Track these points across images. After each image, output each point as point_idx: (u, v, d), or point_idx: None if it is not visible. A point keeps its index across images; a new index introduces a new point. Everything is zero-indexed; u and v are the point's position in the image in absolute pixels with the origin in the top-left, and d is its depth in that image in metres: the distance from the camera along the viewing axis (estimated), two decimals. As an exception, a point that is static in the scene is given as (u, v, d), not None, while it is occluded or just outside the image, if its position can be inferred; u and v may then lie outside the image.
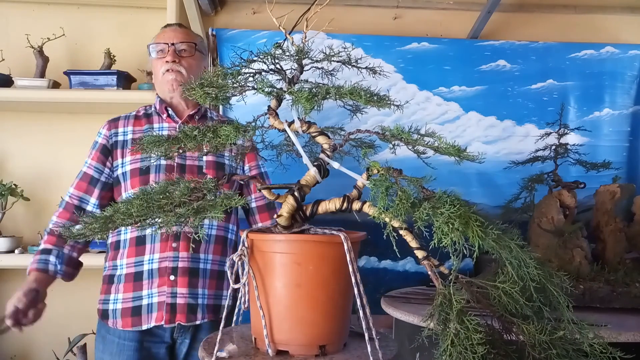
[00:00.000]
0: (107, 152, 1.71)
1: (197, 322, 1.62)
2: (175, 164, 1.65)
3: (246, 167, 1.80)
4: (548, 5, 2.71)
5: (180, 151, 1.08)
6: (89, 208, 1.69)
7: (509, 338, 0.89)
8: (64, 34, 2.40)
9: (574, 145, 2.25)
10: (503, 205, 2.32)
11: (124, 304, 1.61)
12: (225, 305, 1.71)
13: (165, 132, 1.71)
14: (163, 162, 1.64)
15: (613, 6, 2.71)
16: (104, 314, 1.65)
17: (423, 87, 2.58)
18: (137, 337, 1.61)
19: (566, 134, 2.27)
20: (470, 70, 2.60)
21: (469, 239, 0.86)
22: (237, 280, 1.05)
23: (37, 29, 2.39)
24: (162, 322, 1.58)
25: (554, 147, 2.24)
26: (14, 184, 2.37)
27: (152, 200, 0.99)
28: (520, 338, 0.87)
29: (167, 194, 1.00)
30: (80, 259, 1.72)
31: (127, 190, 1.66)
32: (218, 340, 1.04)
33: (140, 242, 1.62)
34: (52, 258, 1.62)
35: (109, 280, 1.67)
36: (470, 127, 2.59)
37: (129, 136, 1.72)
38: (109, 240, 1.71)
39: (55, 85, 2.36)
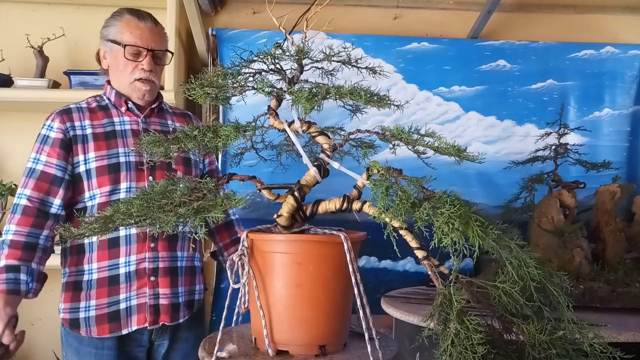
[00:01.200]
0: (67, 147, 1.55)
1: (180, 321, 1.59)
2: (145, 161, 1.55)
3: (206, 162, 1.80)
4: (548, 5, 2.71)
5: (180, 151, 1.09)
6: (52, 211, 1.52)
7: (509, 338, 0.89)
8: (64, 34, 2.39)
9: (574, 145, 2.25)
10: (503, 205, 2.32)
11: (97, 310, 1.52)
12: (196, 300, 1.66)
13: (127, 127, 1.62)
14: (132, 159, 1.57)
15: (613, 6, 2.71)
16: (72, 323, 1.54)
17: (423, 87, 2.58)
18: (115, 344, 1.54)
19: (566, 134, 2.27)
20: (470, 70, 2.60)
21: (469, 239, 0.87)
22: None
23: (37, 29, 2.39)
24: (146, 324, 1.53)
25: (554, 147, 2.24)
26: (14, 184, 2.37)
27: (152, 200, 0.99)
28: (520, 338, 0.87)
29: (167, 194, 1.01)
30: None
31: (92, 189, 1.54)
32: (218, 340, 1.04)
33: (113, 244, 1.53)
34: (22, 276, 1.44)
35: (75, 287, 1.55)
36: (470, 127, 2.59)
37: (88, 131, 1.58)
38: (67, 245, 1.58)
39: (55, 85, 2.36)
